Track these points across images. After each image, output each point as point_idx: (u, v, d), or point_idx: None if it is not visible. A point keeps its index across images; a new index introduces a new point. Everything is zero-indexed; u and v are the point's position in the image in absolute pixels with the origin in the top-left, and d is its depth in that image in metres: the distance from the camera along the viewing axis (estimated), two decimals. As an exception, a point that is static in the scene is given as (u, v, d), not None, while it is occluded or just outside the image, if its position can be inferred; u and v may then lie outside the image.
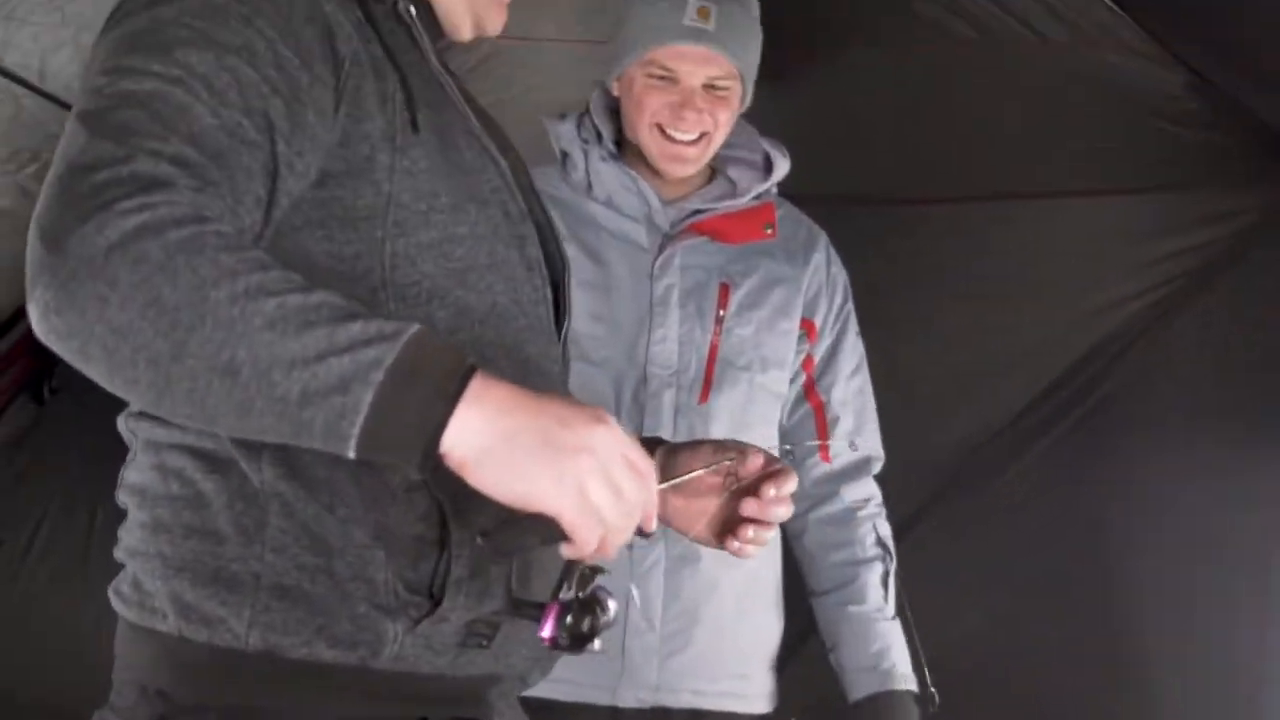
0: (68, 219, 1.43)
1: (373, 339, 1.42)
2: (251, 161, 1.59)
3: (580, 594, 1.61)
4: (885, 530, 3.15)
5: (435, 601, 1.74)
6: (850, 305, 3.23)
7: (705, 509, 2.08)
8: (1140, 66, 3.82)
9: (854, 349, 3.21)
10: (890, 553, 3.13)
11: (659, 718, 2.95)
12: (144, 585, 1.77)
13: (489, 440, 1.46)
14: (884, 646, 3.07)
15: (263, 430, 1.45)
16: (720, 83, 2.96)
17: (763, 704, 3.08)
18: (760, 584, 3.08)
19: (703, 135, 2.98)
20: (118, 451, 1.86)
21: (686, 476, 1.97)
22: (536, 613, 1.63)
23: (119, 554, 1.83)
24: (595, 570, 1.63)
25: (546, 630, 1.60)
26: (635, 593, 2.85)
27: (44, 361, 4.19)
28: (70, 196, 1.45)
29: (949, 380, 4.22)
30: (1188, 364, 4.03)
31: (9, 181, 3.32)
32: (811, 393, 3.15)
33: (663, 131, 2.97)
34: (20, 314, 4.03)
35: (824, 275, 3.17)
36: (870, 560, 3.11)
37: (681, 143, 2.97)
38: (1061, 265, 4.13)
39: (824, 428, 3.14)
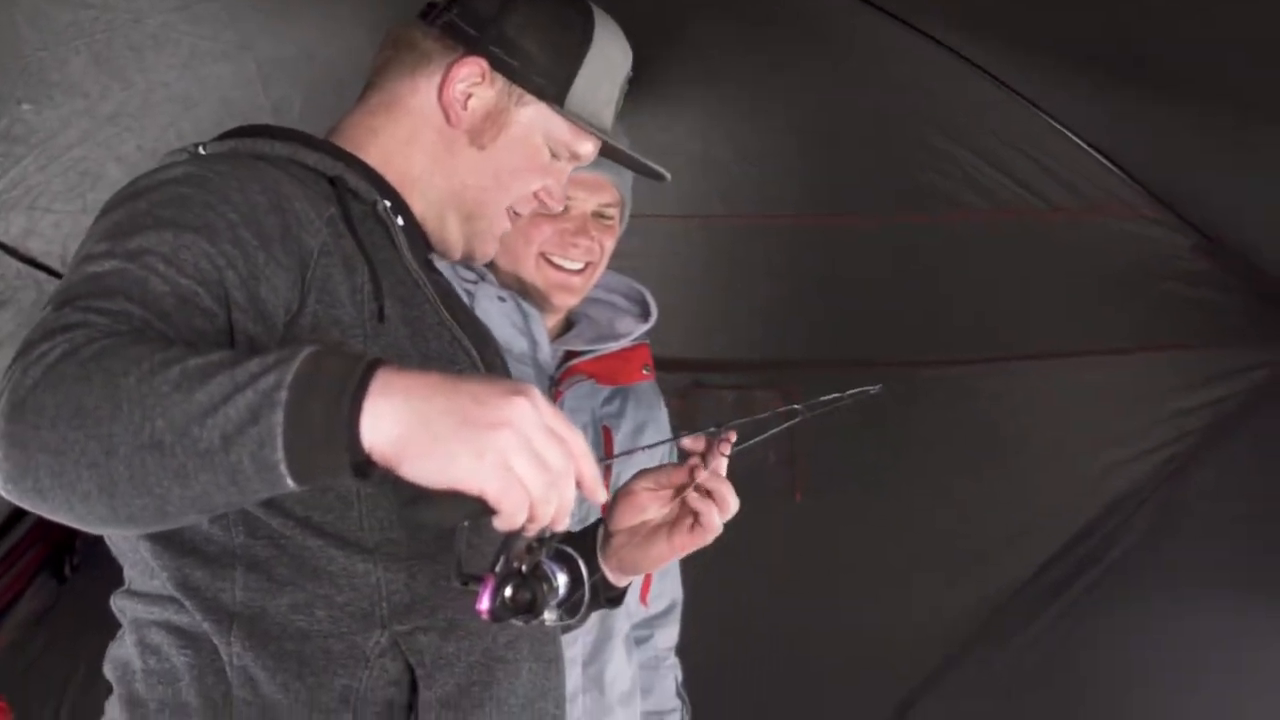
0: (5, 387, 1.48)
1: (270, 367, 1.42)
2: (205, 325, 1.62)
3: (521, 566, 1.59)
4: (680, 677, 3.19)
5: None
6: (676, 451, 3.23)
7: (648, 537, 2.07)
8: (1148, 230, 3.85)
9: None
10: (686, 701, 3.17)
11: None
12: None
13: (405, 427, 1.42)
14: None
15: (208, 494, 1.44)
16: (608, 210, 2.92)
17: None
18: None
19: (588, 265, 2.91)
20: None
21: (637, 450, 1.97)
22: (478, 586, 1.59)
23: None
24: (542, 542, 1.61)
25: (483, 603, 1.56)
26: None
27: (65, 539, 4.21)
28: (10, 367, 1.50)
29: (963, 545, 4.23)
30: (1201, 520, 4.03)
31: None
32: None
33: (549, 261, 2.88)
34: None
35: (666, 416, 3.17)
36: (670, 711, 3.16)
37: (569, 271, 2.89)
38: (1073, 425, 4.16)
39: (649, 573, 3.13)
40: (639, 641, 3.13)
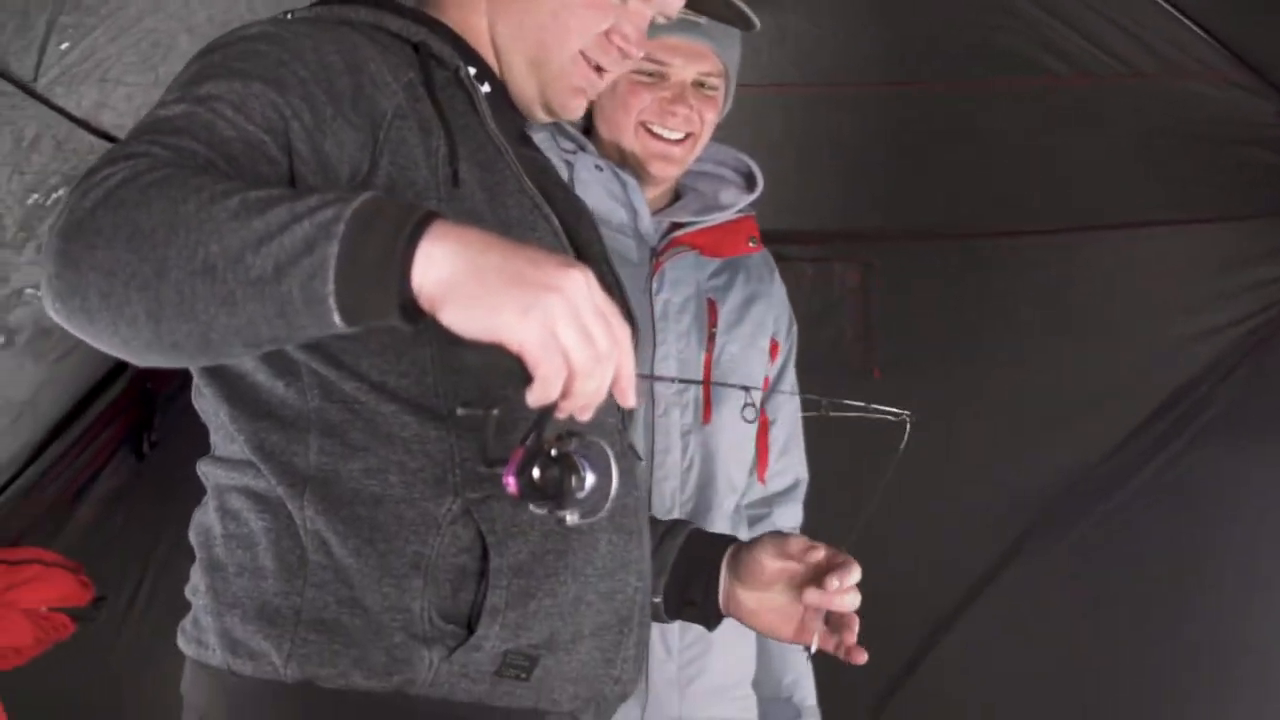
0: (64, 209, 1.48)
1: (330, 202, 1.41)
2: (268, 171, 1.61)
3: (551, 450, 1.54)
4: None
5: (470, 630, 1.76)
6: (795, 326, 3.19)
7: (772, 603, 2.15)
8: (1231, 95, 3.78)
9: (793, 370, 3.15)
10: None
11: None
12: (200, 622, 1.84)
13: (456, 272, 1.41)
14: (796, 678, 3.06)
15: (254, 325, 1.44)
16: (710, 80, 2.87)
17: None
18: None
19: (689, 135, 2.87)
20: (217, 505, 1.90)
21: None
22: (503, 469, 1.56)
23: (186, 592, 1.89)
24: (573, 434, 1.56)
25: (509, 475, 1.53)
26: None
27: (143, 416, 4.23)
28: (71, 190, 1.50)
29: (1042, 416, 4.19)
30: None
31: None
32: (760, 410, 3.10)
33: (649, 130, 2.85)
34: (119, 372, 4.08)
35: (784, 294, 3.14)
36: None
37: (669, 141, 2.85)
38: (1152, 295, 4.11)
39: (765, 447, 3.09)
40: (756, 520, 3.10)
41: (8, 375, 3.53)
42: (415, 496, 1.75)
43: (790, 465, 3.12)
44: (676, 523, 2.28)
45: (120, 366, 4.03)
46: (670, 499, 2.86)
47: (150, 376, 4.14)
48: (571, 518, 1.58)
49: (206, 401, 1.87)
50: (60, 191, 3.36)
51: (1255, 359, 4.06)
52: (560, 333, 1.41)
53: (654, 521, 2.25)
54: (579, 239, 2.00)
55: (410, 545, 1.74)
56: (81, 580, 3.47)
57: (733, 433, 2.93)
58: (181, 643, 1.88)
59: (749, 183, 3.04)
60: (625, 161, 2.88)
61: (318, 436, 1.77)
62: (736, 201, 2.99)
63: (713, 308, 2.96)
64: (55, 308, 1.50)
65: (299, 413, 1.78)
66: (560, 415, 1.50)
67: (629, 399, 1.51)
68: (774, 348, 3.06)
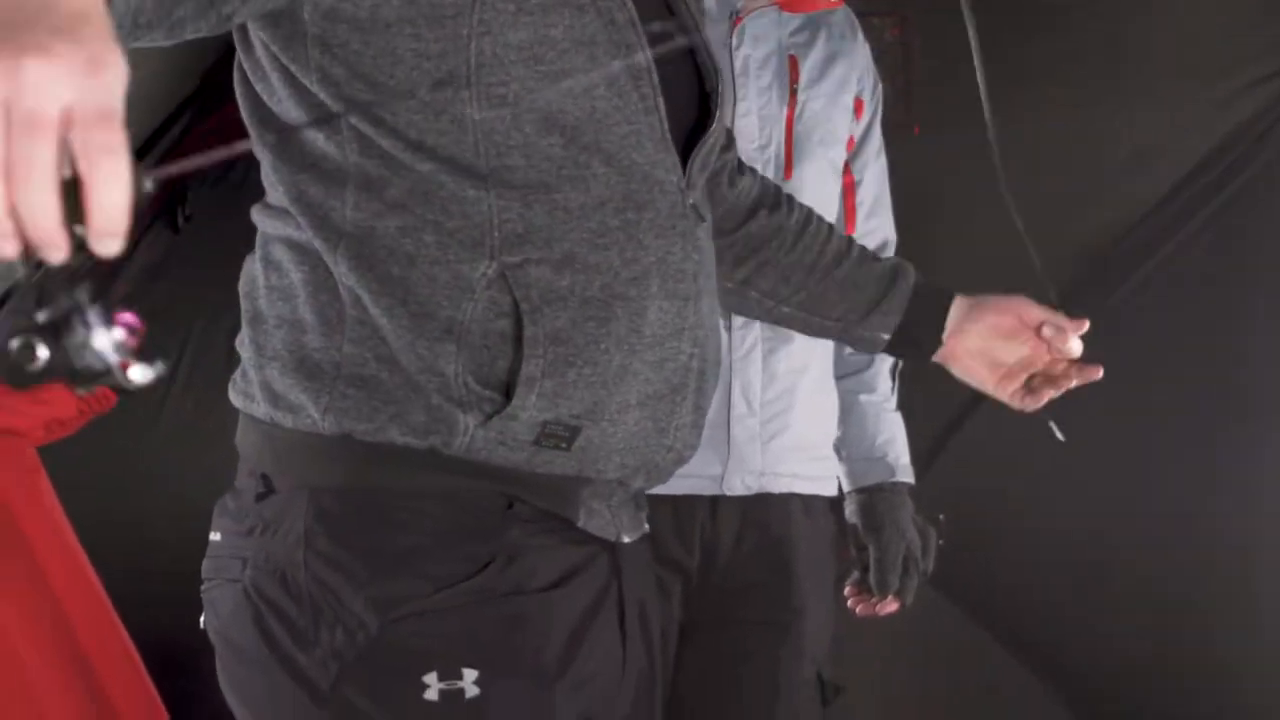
0: None
1: None
2: None
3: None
4: None
5: (507, 398, 1.77)
6: (880, 85, 3.15)
7: (993, 353, 2.35)
8: None
9: (879, 129, 3.14)
10: None
11: (759, 505, 2.93)
12: (247, 374, 1.89)
13: None
14: (890, 438, 3.08)
15: None
16: None
17: (835, 486, 3.09)
18: (829, 365, 3.06)
19: None
20: (255, 278, 1.89)
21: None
22: None
23: (236, 344, 1.93)
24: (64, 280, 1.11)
25: None
26: None
27: (178, 188, 4.21)
28: None
29: (1088, 169, 4.14)
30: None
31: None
32: (846, 170, 3.07)
33: None
34: (155, 140, 4.05)
35: (868, 51, 3.10)
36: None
37: None
38: (1200, 45, 4.00)
39: (852, 208, 3.07)
40: None
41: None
42: (450, 258, 1.75)
43: (879, 226, 3.12)
44: (899, 265, 2.40)
45: (152, 140, 3.99)
46: None
47: (182, 151, 4.10)
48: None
49: (256, 145, 1.85)
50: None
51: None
52: None
53: (869, 260, 2.41)
54: None
55: (443, 309, 1.75)
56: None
57: (815, 190, 2.90)
58: (231, 394, 1.93)
59: None
60: None
61: (355, 191, 1.77)
62: None
63: (794, 64, 2.92)
64: None
65: (338, 165, 1.77)
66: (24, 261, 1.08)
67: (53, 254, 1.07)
68: (859, 106, 3.04)
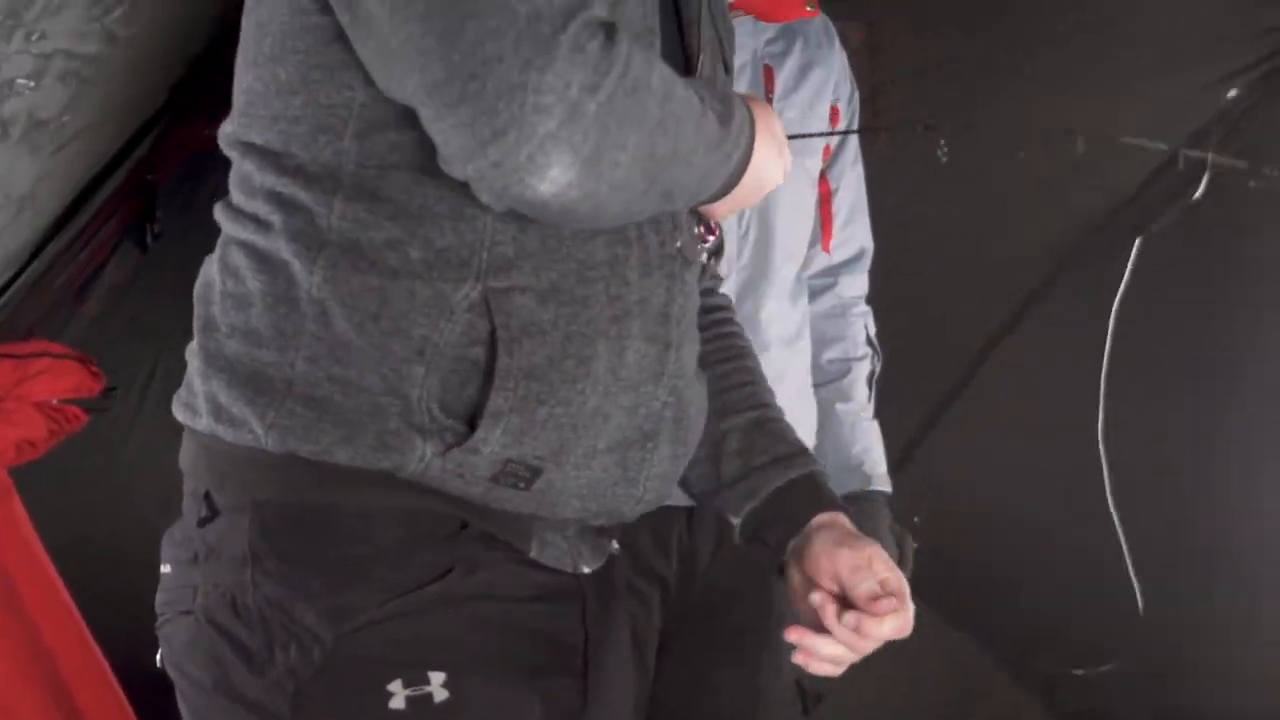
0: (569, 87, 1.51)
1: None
2: None
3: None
4: (873, 329, 3.13)
5: (470, 429, 1.71)
6: (858, 93, 3.14)
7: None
8: None
9: (855, 137, 3.13)
10: (877, 351, 3.12)
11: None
12: (193, 385, 1.83)
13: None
14: (866, 446, 3.09)
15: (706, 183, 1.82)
16: None
17: None
18: (807, 373, 3.05)
19: None
20: (224, 295, 1.87)
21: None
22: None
23: (186, 353, 1.88)
24: None
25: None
26: None
27: (146, 207, 4.19)
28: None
29: (1063, 161, 4.16)
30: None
31: (96, 27, 3.28)
32: (822, 179, 3.07)
33: None
34: (118, 163, 4.03)
35: (844, 60, 3.10)
36: (861, 358, 3.11)
37: None
38: (1177, 34, 4.01)
39: (828, 216, 3.07)
40: (821, 290, 3.09)
41: (5, 169, 3.47)
42: (434, 276, 1.69)
43: (855, 234, 3.12)
44: (797, 455, 2.16)
45: (119, 158, 3.97)
46: (725, 266, 2.84)
47: (150, 168, 4.09)
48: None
49: (231, 146, 1.81)
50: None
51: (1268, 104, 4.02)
52: None
53: (780, 438, 2.18)
54: None
55: (418, 328, 1.69)
56: (92, 371, 3.46)
57: (791, 199, 2.90)
58: (175, 408, 1.87)
59: None
60: None
61: (345, 199, 1.71)
62: None
63: (769, 74, 2.92)
64: (558, 194, 1.56)
65: (330, 170, 1.72)
66: None
67: None
68: (834, 114, 3.03)
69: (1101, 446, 4.19)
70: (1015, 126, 4.04)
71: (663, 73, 1.61)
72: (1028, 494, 4.30)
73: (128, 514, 3.99)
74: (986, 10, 4.06)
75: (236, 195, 1.83)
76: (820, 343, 3.08)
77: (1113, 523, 4.20)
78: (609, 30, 1.54)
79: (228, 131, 1.85)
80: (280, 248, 1.73)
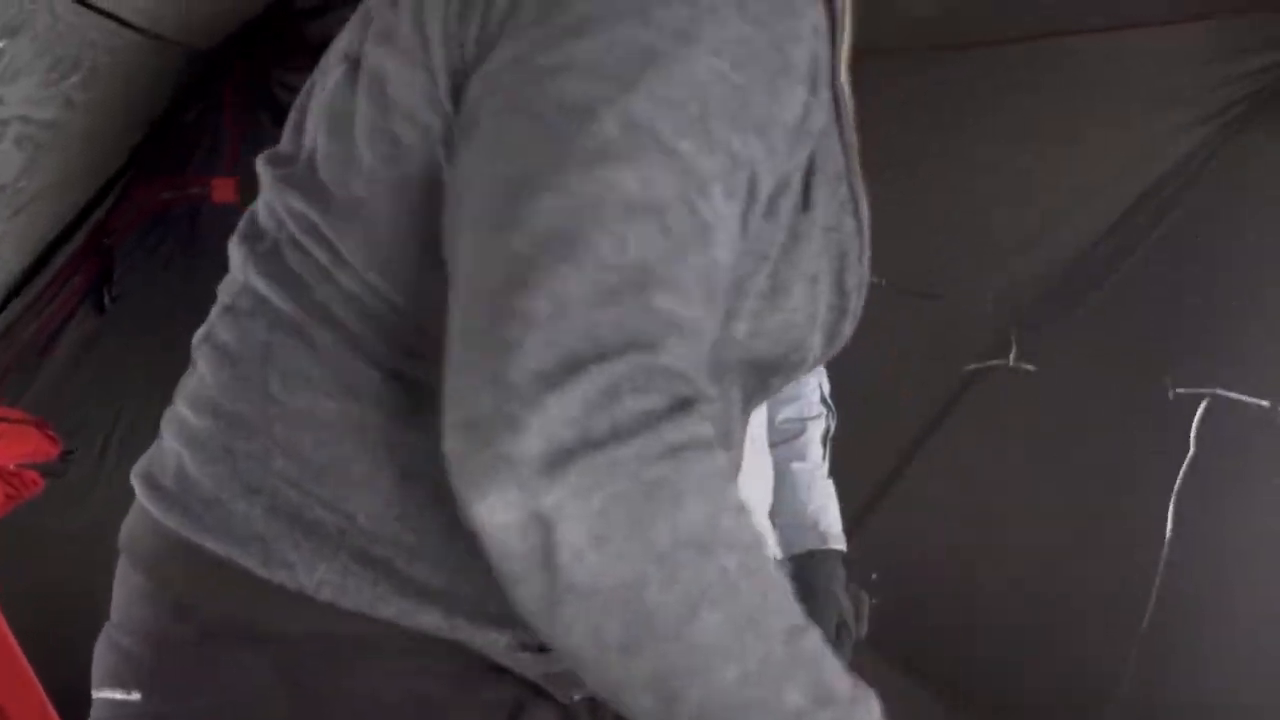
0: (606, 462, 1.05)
1: None
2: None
3: None
4: (827, 388, 3.15)
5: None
6: None
7: None
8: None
9: None
10: (832, 410, 3.14)
11: None
12: (194, 486, 1.44)
13: None
14: (821, 505, 3.10)
15: None
16: None
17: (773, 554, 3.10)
18: (764, 432, 3.08)
19: None
20: (182, 359, 1.82)
21: None
22: None
23: (184, 440, 1.50)
24: None
25: None
26: None
27: (104, 269, 4.19)
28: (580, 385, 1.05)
29: (1026, 213, 4.21)
30: (1261, 185, 4.03)
31: (54, 93, 3.29)
32: None
33: None
34: (76, 227, 4.03)
35: None
36: (815, 417, 3.12)
37: None
38: (1125, 97, 4.06)
39: None
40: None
41: (-38, 233, 3.49)
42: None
43: None
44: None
45: (77, 221, 3.98)
46: None
47: (107, 231, 4.10)
48: None
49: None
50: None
51: (1222, 156, 4.09)
52: None
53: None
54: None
55: None
56: (48, 435, 3.45)
57: None
58: (140, 486, 1.51)
59: None
60: None
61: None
62: None
63: None
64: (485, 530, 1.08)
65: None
66: None
67: None
68: None
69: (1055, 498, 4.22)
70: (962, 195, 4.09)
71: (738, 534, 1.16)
72: (985, 546, 4.31)
73: (84, 574, 3.98)
74: (947, 78, 4.10)
75: (330, 282, 1.34)
76: (775, 403, 3.09)
77: (1071, 575, 4.22)
78: (679, 395, 1.09)
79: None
80: (401, 360, 1.34)
